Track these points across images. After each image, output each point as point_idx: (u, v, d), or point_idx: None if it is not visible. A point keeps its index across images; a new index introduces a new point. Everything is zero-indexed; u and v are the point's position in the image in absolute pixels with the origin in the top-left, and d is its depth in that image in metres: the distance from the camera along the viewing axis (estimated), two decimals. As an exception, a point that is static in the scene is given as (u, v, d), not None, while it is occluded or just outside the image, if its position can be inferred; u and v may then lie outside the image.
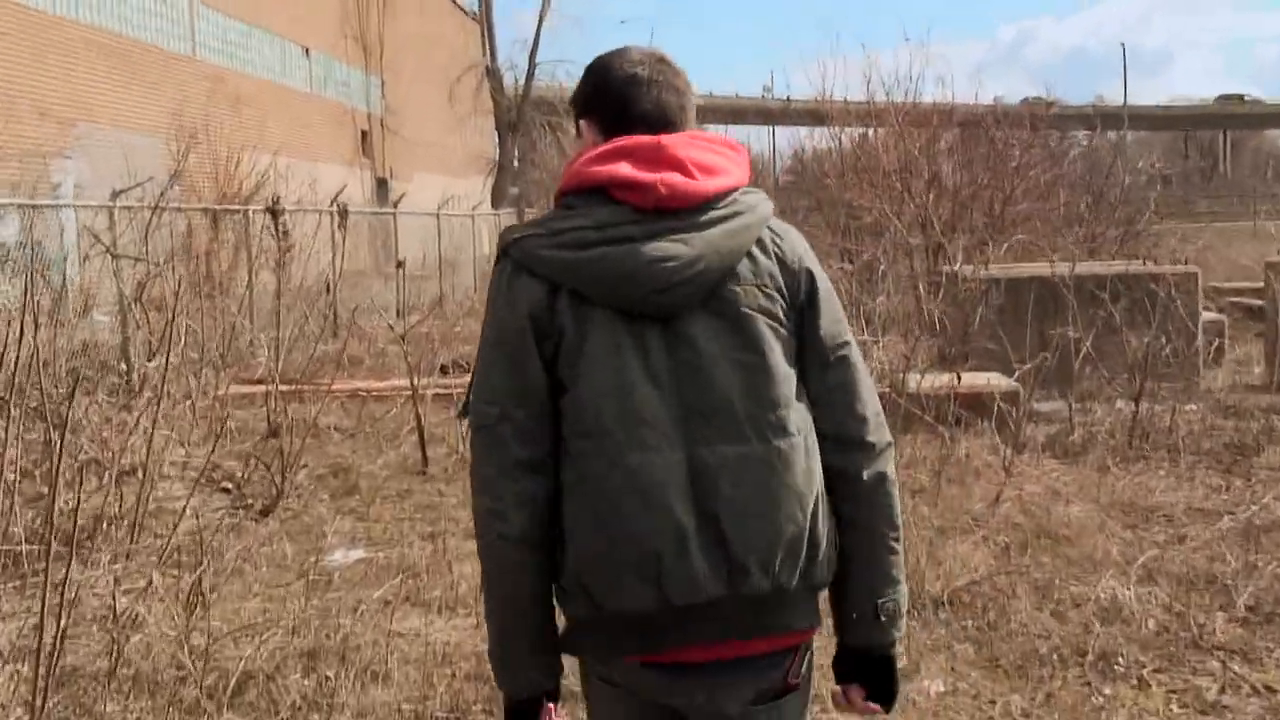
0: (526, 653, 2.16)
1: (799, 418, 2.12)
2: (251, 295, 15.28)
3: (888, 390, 10.09)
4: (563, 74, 37.58)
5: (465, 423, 2.30)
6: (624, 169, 2.11)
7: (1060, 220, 18.15)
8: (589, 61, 2.36)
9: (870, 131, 18.43)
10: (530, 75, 36.70)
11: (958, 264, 15.70)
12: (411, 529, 6.90)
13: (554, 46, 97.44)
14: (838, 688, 2.28)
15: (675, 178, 2.11)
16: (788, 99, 53.20)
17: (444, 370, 13.65)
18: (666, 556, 2.02)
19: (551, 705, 2.20)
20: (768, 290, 2.14)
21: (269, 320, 15.48)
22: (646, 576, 2.03)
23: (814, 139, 26.09)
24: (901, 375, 9.70)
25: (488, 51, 36.67)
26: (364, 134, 31.58)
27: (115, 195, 11.94)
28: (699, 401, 2.08)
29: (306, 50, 27.22)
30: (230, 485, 7.78)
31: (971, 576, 5.56)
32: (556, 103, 38.83)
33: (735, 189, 2.17)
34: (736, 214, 2.14)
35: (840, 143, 20.25)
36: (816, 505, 2.12)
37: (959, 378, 9.37)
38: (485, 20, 36.89)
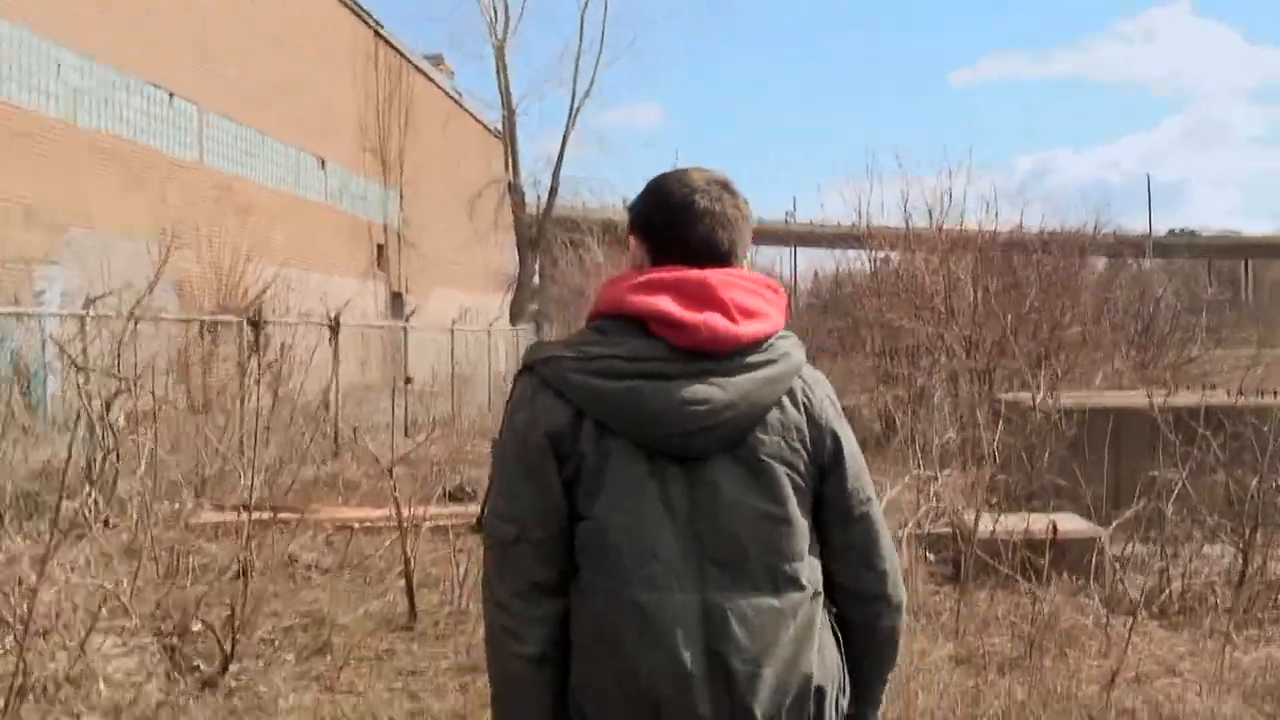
0: None
1: (810, 571, 2.13)
2: (242, 413, 14.13)
3: (950, 531, 8.86)
4: (586, 191, 37.00)
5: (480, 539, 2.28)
6: (667, 304, 2.08)
7: (1110, 346, 16.99)
8: (650, 180, 2.31)
9: (912, 253, 17.37)
10: (553, 192, 35.93)
11: (1012, 390, 14.55)
12: (388, 706, 5.63)
13: (578, 164, 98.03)
14: None
15: (717, 320, 2.08)
16: (810, 222, 52.29)
17: (450, 497, 12.46)
18: (667, 696, 2.00)
19: None
20: (793, 443, 2.12)
21: (261, 439, 14.38)
22: (646, 714, 2.01)
23: (844, 262, 25.19)
24: (968, 517, 8.47)
25: (510, 167, 35.96)
26: (380, 247, 30.74)
27: (89, 303, 10.86)
28: (715, 546, 2.06)
29: (322, 161, 26.46)
30: (176, 644, 6.53)
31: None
32: (579, 220, 38.19)
33: (773, 334, 2.16)
34: (771, 361, 2.12)
35: (876, 263, 19.23)
36: (824, 655, 2.11)
37: (1029, 521, 8.13)
38: (508, 136, 36.20)
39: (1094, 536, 7.92)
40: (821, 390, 2.21)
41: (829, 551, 2.18)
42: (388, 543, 8.37)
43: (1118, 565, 7.56)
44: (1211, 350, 19.18)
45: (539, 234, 35.90)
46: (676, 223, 2.19)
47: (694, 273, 2.12)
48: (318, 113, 25.82)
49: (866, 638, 2.22)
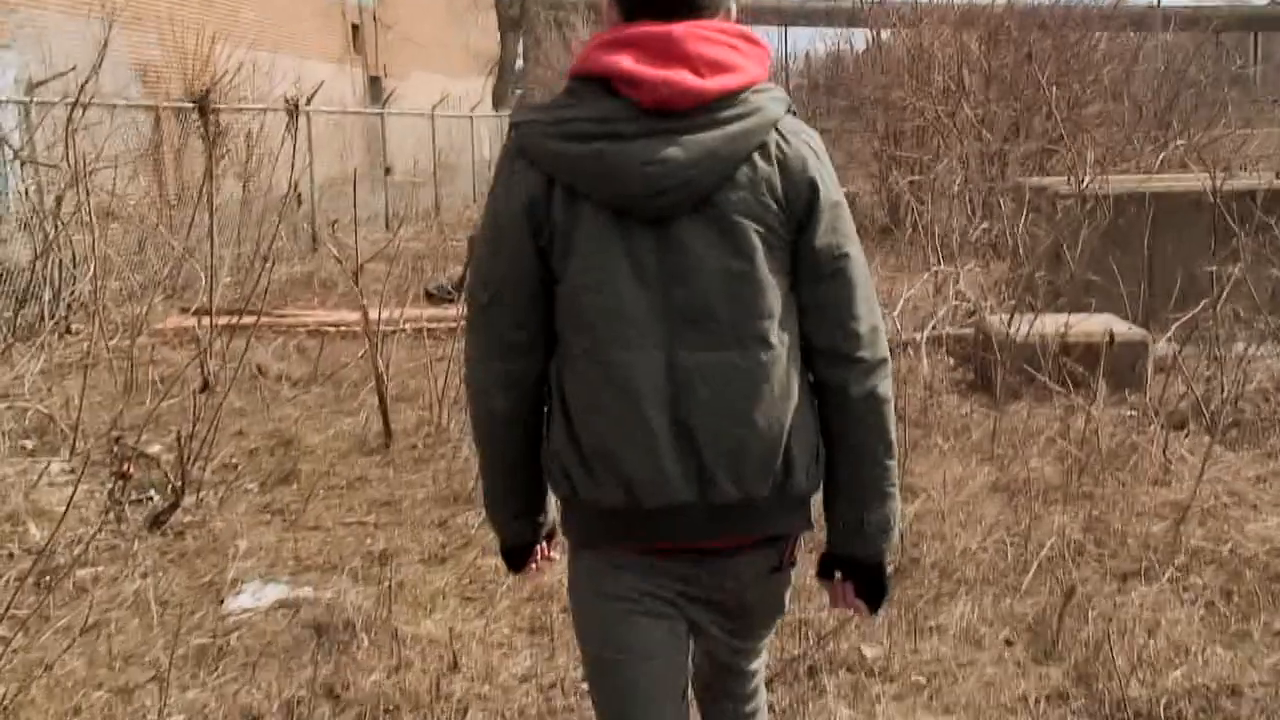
0: (514, 510, 2.28)
1: (782, 330, 2.08)
2: (211, 208, 13.24)
3: (974, 334, 8.17)
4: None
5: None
6: (626, 62, 2.01)
7: (1133, 126, 16.00)
8: None
9: (919, 27, 16.20)
10: None
11: (1030, 174, 13.70)
12: (358, 545, 4.98)
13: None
14: (831, 581, 2.25)
15: (683, 75, 2.00)
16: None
17: (429, 297, 11.70)
18: (636, 459, 2.03)
19: (542, 545, 2.36)
20: (763, 198, 2.04)
21: (231, 237, 13.52)
22: (617, 476, 2.04)
23: (838, 42, 23.87)
24: (996, 318, 7.76)
25: (490, -61, 34.00)
26: (355, 28, 29.17)
27: (31, 89, 9.87)
28: (684, 305, 2.04)
29: (290, -67, 24.86)
30: (128, 470, 5.85)
31: (1191, 667, 3.64)
32: (564, -1, 36.40)
33: (747, 87, 2.05)
34: (741, 116, 2.03)
35: (879, 39, 18.06)
36: (795, 418, 2.08)
37: (1067, 324, 7.43)
38: (488, -95, 34.14)
39: (1141, 341, 7.23)
40: (799, 140, 2.09)
41: (803, 311, 2.11)
42: (361, 352, 7.64)
43: (1170, 374, 6.84)
44: (1240, 129, 18.21)
45: (521, 13, 34.09)
46: None
47: (658, 27, 2.03)
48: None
49: (844, 403, 2.12)
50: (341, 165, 19.26)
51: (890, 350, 2.16)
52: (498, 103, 33.04)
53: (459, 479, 5.65)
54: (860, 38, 20.47)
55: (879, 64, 17.03)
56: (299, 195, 14.58)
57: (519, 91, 35.96)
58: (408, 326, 9.47)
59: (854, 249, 2.13)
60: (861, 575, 2.22)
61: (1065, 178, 9.61)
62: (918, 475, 5.32)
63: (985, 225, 9.59)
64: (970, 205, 10.85)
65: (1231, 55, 20.55)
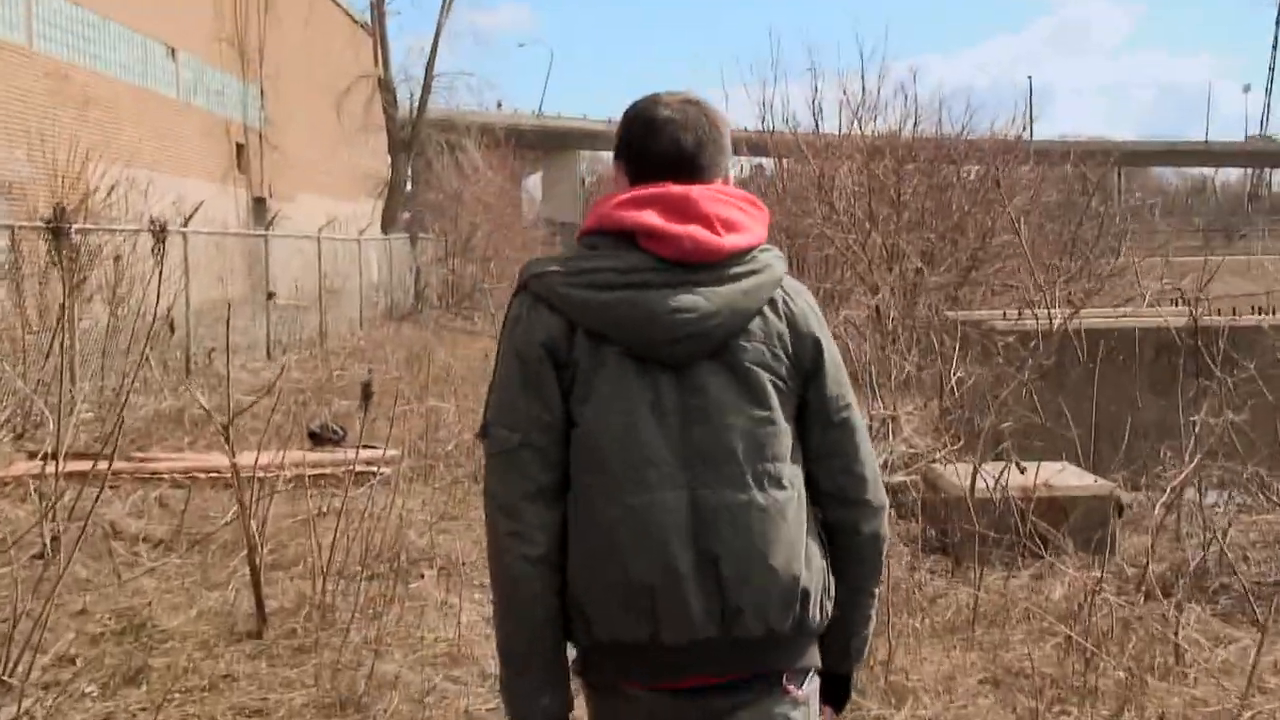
0: (541, 680, 2.18)
1: (793, 473, 2.19)
2: (67, 336, 12.14)
3: (919, 487, 7.45)
4: (463, 89, 34.53)
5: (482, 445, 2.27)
6: (652, 218, 2.16)
7: (1040, 257, 15.68)
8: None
9: (823, 159, 15.80)
10: (427, 88, 33.10)
11: (943, 306, 13.25)
12: (219, 773, 4.00)
13: (453, 62, 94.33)
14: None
15: (701, 232, 2.15)
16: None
17: (314, 438, 10.69)
18: (661, 595, 2.08)
19: None
20: (774, 350, 2.19)
21: (96, 368, 12.44)
22: (640, 613, 2.09)
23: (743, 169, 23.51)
24: (946, 468, 7.06)
25: (380, 61, 33.24)
26: (240, 147, 28.26)
27: None
28: (704, 447, 2.13)
29: (173, 51, 23.96)
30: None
31: None
32: (456, 122, 35.84)
33: (755, 246, 2.21)
34: (754, 272, 2.18)
35: (783, 167, 17.66)
36: (809, 555, 2.17)
37: (1022, 472, 6.76)
38: (378, 27, 33.30)
39: (1109, 495, 6.56)
40: (803, 299, 2.26)
41: (811, 456, 2.24)
42: (232, 512, 6.67)
43: (1151, 533, 6.17)
44: (1141, 260, 18.12)
45: (413, 134, 33.41)
46: (644, 139, 2.27)
47: (677, 188, 2.20)
48: (166, -3, 23.32)
49: (849, 543, 2.26)
50: (221, 289, 18.24)
51: None
52: (387, 225, 32.19)
53: (346, 678, 4.70)
54: (764, 165, 20.19)
55: (784, 192, 16.58)
56: (171, 322, 13.65)
57: (407, 214, 35.21)
58: (288, 473, 8.54)
59: (854, 399, 2.29)
60: (834, 685, 2.35)
61: (1001, 312, 9.05)
62: (900, 671, 4.51)
63: (911, 364, 8.95)
64: (888, 338, 10.25)
65: (1129, 188, 20.51)
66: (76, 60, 19.46)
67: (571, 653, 2.24)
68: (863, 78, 16.11)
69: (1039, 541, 6.13)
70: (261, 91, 29.56)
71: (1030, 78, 52.03)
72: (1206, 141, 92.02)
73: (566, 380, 2.15)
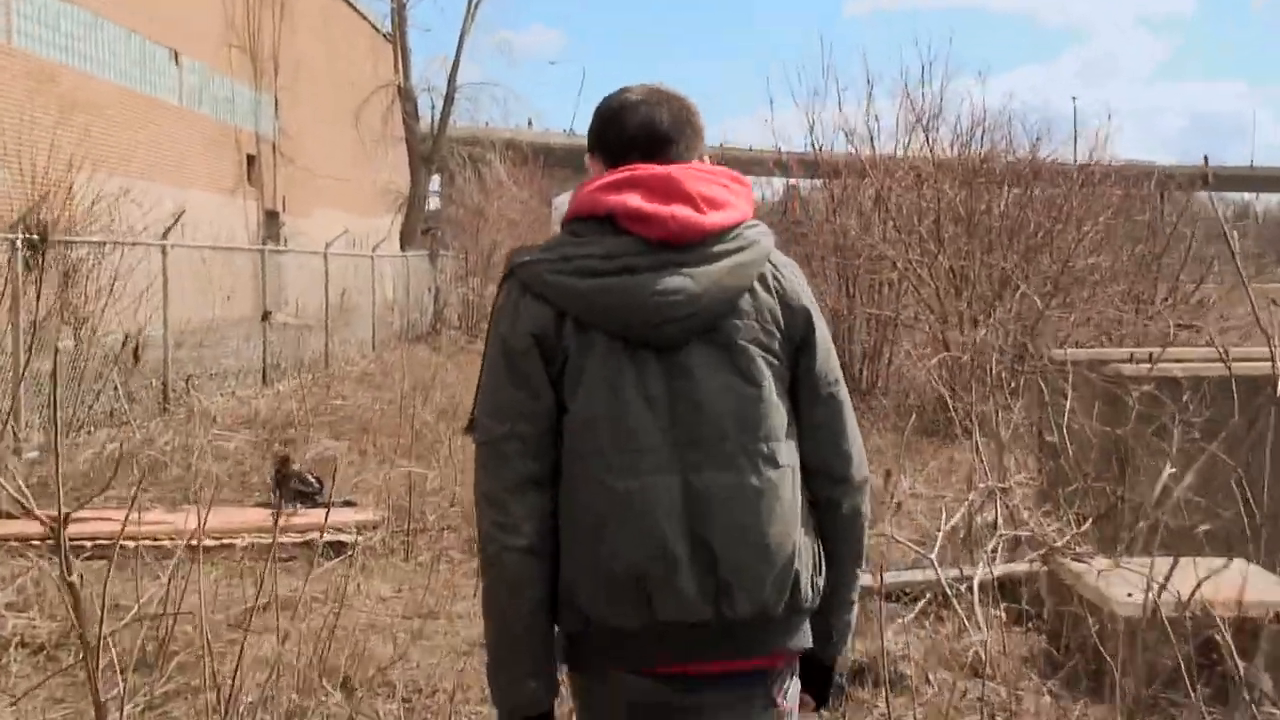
0: (529, 667, 2.19)
1: (788, 451, 2.20)
2: (18, 363, 10.48)
3: (1038, 582, 5.74)
4: (488, 100, 32.79)
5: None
6: (634, 200, 2.15)
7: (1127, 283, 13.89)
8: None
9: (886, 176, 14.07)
10: (450, 98, 31.45)
11: (1012, 335, 11.53)
12: None
13: (478, 75, 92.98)
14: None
15: (685, 211, 2.15)
16: (750, 148, 48.60)
17: (279, 486, 8.90)
18: (654, 578, 2.08)
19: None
20: (766, 326, 2.20)
21: (56, 397, 10.82)
22: (634, 596, 2.09)
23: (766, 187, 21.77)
24: (1079, 567, 5.36)
25: (400, 70, 31.67)
26: (251, 159, 26.80)
27: None
28: (693, 429, 2.14)
29: (176, 55, 22.49)
30: None
31: None
32: (480, 138, 34.25)
33: (740, 223, 2.22)
34: (740, 249, 2.19)
35: (843, 183, 15.92)
36: (802, 534, 2.19)
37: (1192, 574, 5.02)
38: (399, 33, 31.71)
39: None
40: (791, 273, 2.27)
41: (798, 433, 2.23)
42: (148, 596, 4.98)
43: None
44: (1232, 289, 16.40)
45: (434, 147, 31.81)
46: (616, 121, 2.28)
47: (659, 168, 2.19)
48: (170, -3, 21.82)
49: (832, 519, 2.27)
50: (210, 307, 16.67)
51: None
52: (406, 241, 30.61)
53: None
54: (800, 186, 18.50)
55: (838, 209, 14.86)
56: (136, 347, 12.02)
57: (435, 231, 33.56)
58: (240, 541, 6.97)
59: (840, 374, 2.30)
60: (815, 673, 2.35)
61: (1128, 353, 7.30)
62: None
63: (1019, 415, 7.20)
64: (982, 378, 8.51)
65: (1221, 211, 18.72)
66: (64, 60, 17.96)
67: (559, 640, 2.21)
68: (922, 84, 14.39)
69: (1206, 672, 4.44)
70: (275, 100, 28.11)
71: (1075, 99, 49.89)
72: (1251, 166, 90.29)
73: (556, 369, 2.15)
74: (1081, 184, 14.00)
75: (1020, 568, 5.99)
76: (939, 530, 7.08)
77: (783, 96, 50.07)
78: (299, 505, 8.35)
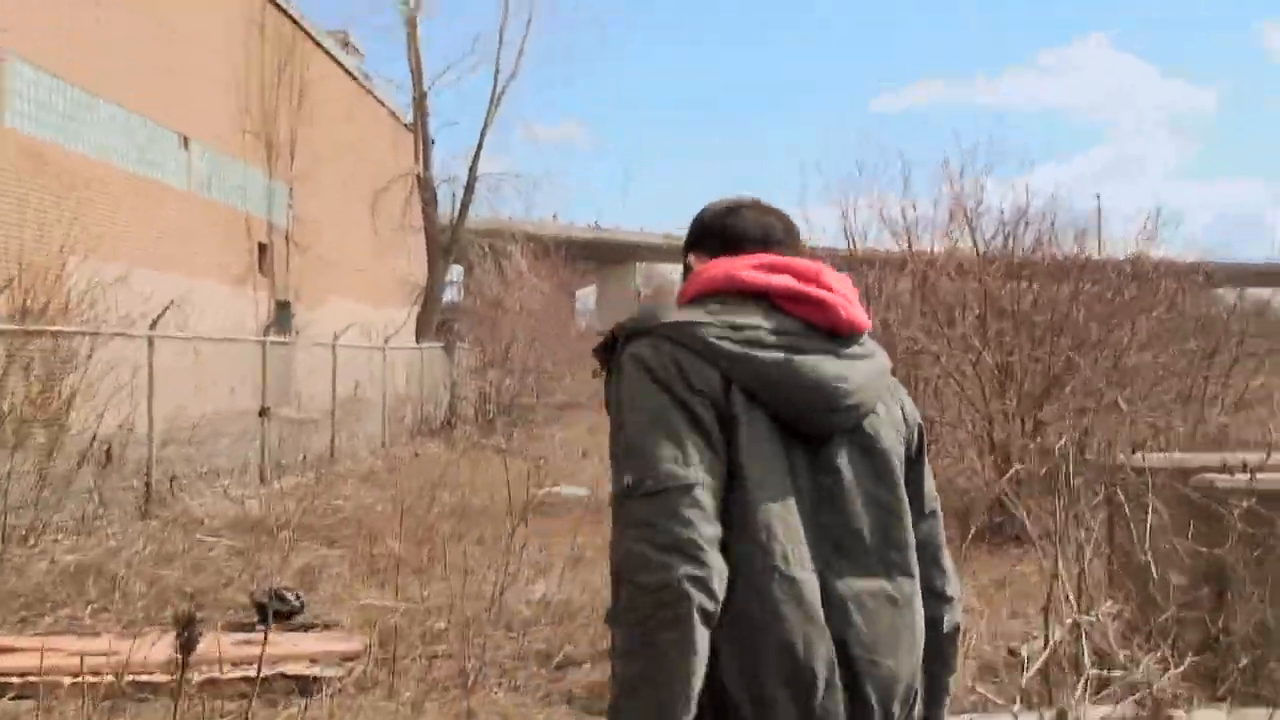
0: None
1: (916, 561, 2.12)
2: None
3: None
4: (510, 191, 32.11)
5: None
6: (795, 282, 2.11)
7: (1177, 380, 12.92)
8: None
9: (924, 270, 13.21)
10: (470, 188, 30.66)
11: (1071, 438, 10.54)
12: None
13: (501, 164, 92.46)
14: None
15: (843, 302, 2.12)
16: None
17: (261, 611, 7.90)
18: (820, 680, 1.96)
19: None
20: (900, 432, 2.16)
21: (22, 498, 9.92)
22: (799, 698, 1.95)
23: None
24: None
25: (420, 158, 31.08)
26: (262, 248, 26.16)
27: None
28: (834, 529, 2.05)
29: (185, 140, 21.90)
30: None
31: None
32: (501, 230, 33.60)
33: (868, 329, 2.20)
34: (873, 354, 2.17)
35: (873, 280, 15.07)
36: (921, 649, 2.11)
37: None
38: (419, 122, 31.16)
39: None
40: (903, 389, 2.26)
41: None
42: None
43: None
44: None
45: (453, 238, 31.13)
46: (724, 220, 2.26)
47: (808, 261, 2.17)
48: (180, 80, 21.23)
49: (935, 635, 2.18)
50: (210, 403, 15.82)
51: None
52: (422, 333, 29.82)
53: None
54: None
55: (872, 302, 13.96)
56: (109, 449, 11.13)
57: (452, 323, 32.73)
58: (197, 675, 6.06)
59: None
60: None
61: (1218, 459, 6.31)
62: None
63: (1099, 526, 6.19)
64: (1053, 487, 7.52)
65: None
66: (56, 139, 17.29)
67: None
68: (960, 175, 13.50)
69: None
70: (290, 188, 27.52)
71: (1099, 196, 49.39)
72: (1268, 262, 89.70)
73: (728, 434, 1.98)
74: (1132, 277, 13.09)
75: (1114, 713, 4.97)
76: (1004, 659, 6.10)
77: (815, 191, 48.95)
78: (272, 626, 7.40)
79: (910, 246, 13.96)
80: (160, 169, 20.82)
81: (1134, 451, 7.19)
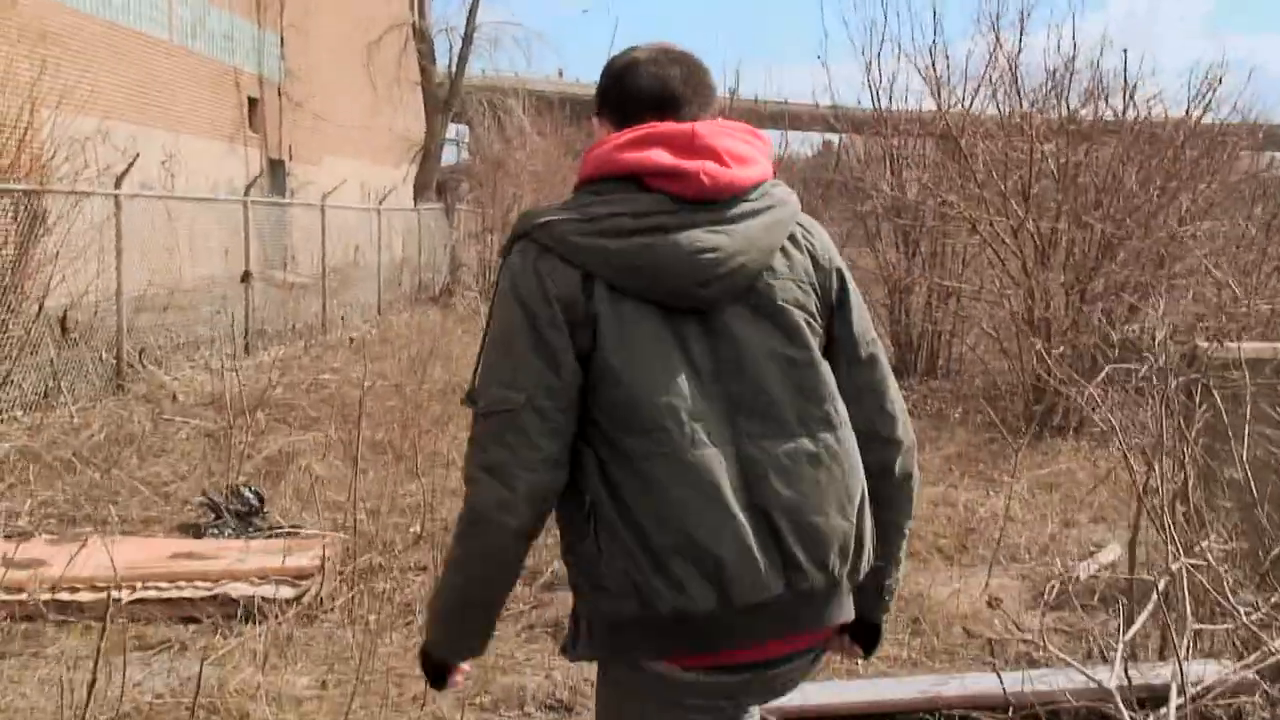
0: (479, 630, 2.16)
1: (840, 409, 2.09)
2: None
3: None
4: (509, 42, 30.64)
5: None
6: (661, 156, 2.04)
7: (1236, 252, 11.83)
8: None
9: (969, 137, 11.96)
10: (468, 39, 28.96)
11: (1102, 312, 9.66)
12: None
13: (502, 12, 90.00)
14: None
15: (713, 167, 2.04)
16: (755, 99, 46.22)
17: (212, 511, 7.01)
18: (730, 557, 1.96)
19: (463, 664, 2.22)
20: (803, 285, 2.10)
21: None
22: (709, 577, 1.96)
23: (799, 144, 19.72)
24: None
25: (416, 6, 29.51)
26: (253, 102, 24.87)
27: None
28: (743, 396, 2.02)
29: (165, -15, 20.57)
30: None
31: None
32: (502, 87, 32.23)
33: (765, 180, 2.12)
34: (769, 207, 2.09)
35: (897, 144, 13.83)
36: (860, 497, 2.08)
37: None
38: (413, -35, 29.61)
39: None
40: (818, 230, 2.20)
41: (840, 396, 2.12)
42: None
43: None
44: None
45: (451, 92, 29.71)
46: (623, 79, 2.15)
47: (681, 125, 2.07)
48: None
49: (883, 483, 2.17)
50: (191, 268, 14.84)
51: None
52: (419, 193, 28.65)
53: None
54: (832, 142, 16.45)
55: (896, 173, 12.83)
56: (63, 318, 10.19)
57: (452, 184, 31.51)
58: (126, 593, 5.25)
59: (876, 334, 2.22)
60: (866, 631, 2.28)
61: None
62: None
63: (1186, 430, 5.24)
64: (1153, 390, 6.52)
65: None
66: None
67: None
68: (993, 31, 12.17)
69: None
70: (281, 39, 26.14)
71: (1125, 51, 45.40)
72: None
73: (584, 338, 1.99)
74: (1185, 140, 11.89)
75: (1221, 675, 4.07)
76: (1056, 583, 5.18)
77: (838, 42, 46.54)
78: (232, 529, 6.54)
79: (939, 96, 12.68)
80: (139, 17, 19.49)
81: (1215, 338, 6.20)
